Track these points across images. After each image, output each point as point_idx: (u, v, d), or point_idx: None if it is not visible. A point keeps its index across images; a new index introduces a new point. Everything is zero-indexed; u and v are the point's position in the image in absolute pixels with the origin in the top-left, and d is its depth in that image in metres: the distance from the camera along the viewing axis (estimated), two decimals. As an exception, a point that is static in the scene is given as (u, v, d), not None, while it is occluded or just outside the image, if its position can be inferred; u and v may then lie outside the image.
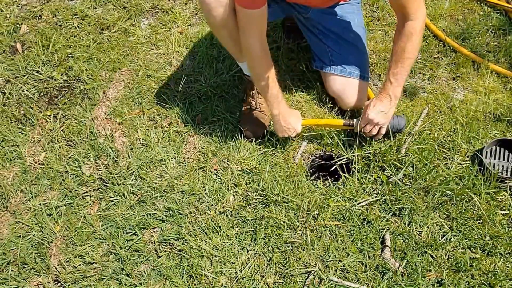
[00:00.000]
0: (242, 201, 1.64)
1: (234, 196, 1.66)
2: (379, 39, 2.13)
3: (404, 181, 1.65)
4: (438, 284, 1.44)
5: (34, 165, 1.81)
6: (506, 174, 1.66)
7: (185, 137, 1.84)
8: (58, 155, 1.82)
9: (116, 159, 1.79)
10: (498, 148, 1.72)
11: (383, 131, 1.65)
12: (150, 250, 1.57)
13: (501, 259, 1.47)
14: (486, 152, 1.69)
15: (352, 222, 1.57)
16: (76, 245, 1.60)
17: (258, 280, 1.48)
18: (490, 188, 1.60)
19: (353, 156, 1.71)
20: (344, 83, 1.79)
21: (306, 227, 1.56)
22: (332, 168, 1.70)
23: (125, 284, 1.51)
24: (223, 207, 1.63)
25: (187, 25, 2.26)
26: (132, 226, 1.62)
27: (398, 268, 1.46)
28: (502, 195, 1.61)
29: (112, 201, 1.69)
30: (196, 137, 1.83)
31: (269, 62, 1.55)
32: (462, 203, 1.58)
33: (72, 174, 1.77)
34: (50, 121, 1.93)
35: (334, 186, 1.67)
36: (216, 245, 1.55)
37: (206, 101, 1.95)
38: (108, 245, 1.59)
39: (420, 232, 1.55)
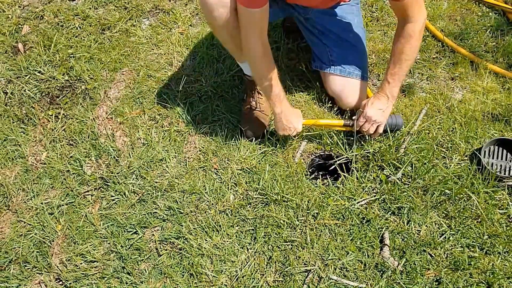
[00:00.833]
0: (242, 200, 1.65)
1: (234, 195, 1.67)
2: (378, 39, 2.14)
3: (403, 180, 1.66)
4: (437, 283, 1.45)
5: (36, 164, 1.83)
6: (504, 174, 1.67)
7: (185, 137, 1.85)
8: (60, 155, 1.84)
9: (117, 158, 1.80)
10: (496, 147, 1.73)
11: (381, 130, 1.67)
12: (151, 249, 1.58)
13: (499, 258, 1.48)
14: (485, 152, 1.70)
15: (352, 221, 1.58)
16: (77, 243, 1.61)
17: (258, 279, 1.49)
18: (488, 187, 1.61)
19: (353, 155, 1.72)
20: (343, 83, 1.80)
21: (305, 226, 1.58)
22: (332, 168, 1.72)
23: (126, 283, 1.52)
24: (223, 206, 1.64)
25: (188, 25, 2.27)
26: (133, 225, 1.63)
27: (397, 266, 1.47)
28: (500, 194, 1.62)
29: (113, 200, 1.70)
30: (197, 137, 1.85)
31: (270, 61, 1.55)
32: (461, 202, 1.59)
33: (73, 173, 1.78)
34: (52, 121, 1.95)
35: (334, 185, 1.68)
36: (217, 243, 1.56)
37: (207, 101, 1.96)
38: (109, 243, 1.60)
39: (418, 231, 1.56)
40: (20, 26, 2.30)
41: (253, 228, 1.59)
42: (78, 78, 2.08)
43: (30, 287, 1.55)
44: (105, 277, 1.53)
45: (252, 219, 1.60)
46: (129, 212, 1.66)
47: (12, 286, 1.54)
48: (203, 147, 1.81)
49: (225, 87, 1.99)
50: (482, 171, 1.64)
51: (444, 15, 2.22)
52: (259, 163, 1.73)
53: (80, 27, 2.28)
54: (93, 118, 1.94)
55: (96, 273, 1.55)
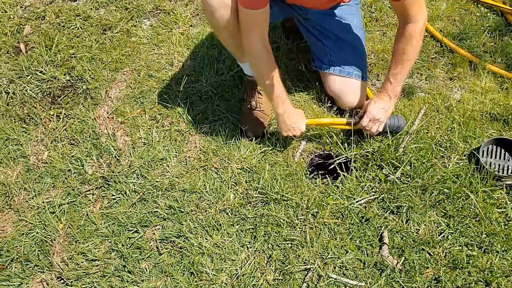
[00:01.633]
0: (242, 199, 1.66)
1: (234, 194, 1.68)
2: (377, 39, 2.15)
3: (402, 179, 1.67)
4: (436, 281, 1.46)
5: (38, 163, 1.84)
6: (503, 173, 1.68)
7: (186, 136, 1.86)
8: (61, 154, 1.85)
9: (118, 157, 1.82)
10: (494, 147, 1.74)
11: (380, 129, 1.68)
12: (151, 248, 1.59)
13: (498, 256, 1.49)
14: (483, 151, 1.71)
15: (351, 220, 1.59)
16: (78, 242, 1.62)
17: (258, 277, 1.50)
18: (486, 186, 1.62)
19: (352, 155, 1.73)
20: (343, 83, 1.81)
21: (305, 225, 1.59)
22: (331, 167, 1.73)
23: (127, 281, 1.53)
24: (224, 205, 1.65)
25: (188, 25, 2.28)
26: (134, 224, 1.64)
27: (396, 265, 1.48)
28: (498, 193, 1.63)
29: (114, 199, 1.71)
30: (197, 136, 1.86)
31: (272, 61, 1.55)
32: (459, 201, 1.60)
33: (74, 173, 1.79)
34: (53, 121, 1.96)
35: (333, 184, 1.69)
36: (217, 242, 1.57)
37: (207, 100, 1.97)
38: (110, 242, 1.61)
39: (417, 230, 1.57)
40: (21, 26, 2.31)
41: (253, 227, 1.60)
42: (80, 78, 2.10)
43: (31, 285, 1.56)
44: (106, 275, 1.54)
45: (252, 218, 1.61)
46: (130, 211, 1.67)
47: (14, 285, 1.55)
48: (204, 147, 1.82)
49: (226, 87, 2.00)
50: (481, 170, 1.65)
51: (443, 16, 2.23)
52: (259, 163, 1.75)
53: (81, 28, 2.29)
54: (94, 118, 1.95)
55: (97, 272, 1.56)
